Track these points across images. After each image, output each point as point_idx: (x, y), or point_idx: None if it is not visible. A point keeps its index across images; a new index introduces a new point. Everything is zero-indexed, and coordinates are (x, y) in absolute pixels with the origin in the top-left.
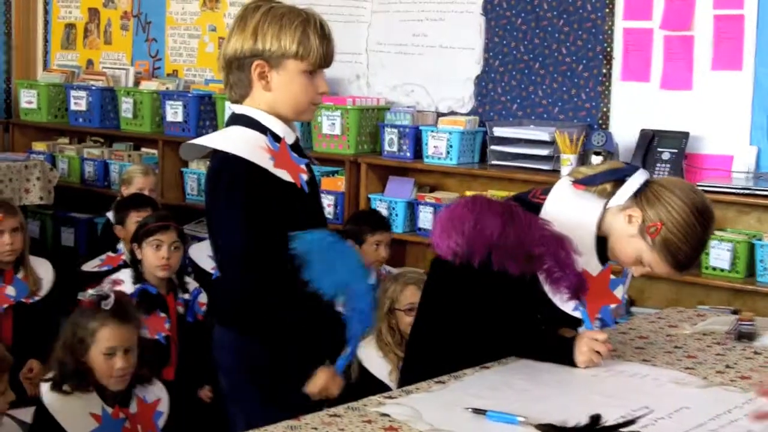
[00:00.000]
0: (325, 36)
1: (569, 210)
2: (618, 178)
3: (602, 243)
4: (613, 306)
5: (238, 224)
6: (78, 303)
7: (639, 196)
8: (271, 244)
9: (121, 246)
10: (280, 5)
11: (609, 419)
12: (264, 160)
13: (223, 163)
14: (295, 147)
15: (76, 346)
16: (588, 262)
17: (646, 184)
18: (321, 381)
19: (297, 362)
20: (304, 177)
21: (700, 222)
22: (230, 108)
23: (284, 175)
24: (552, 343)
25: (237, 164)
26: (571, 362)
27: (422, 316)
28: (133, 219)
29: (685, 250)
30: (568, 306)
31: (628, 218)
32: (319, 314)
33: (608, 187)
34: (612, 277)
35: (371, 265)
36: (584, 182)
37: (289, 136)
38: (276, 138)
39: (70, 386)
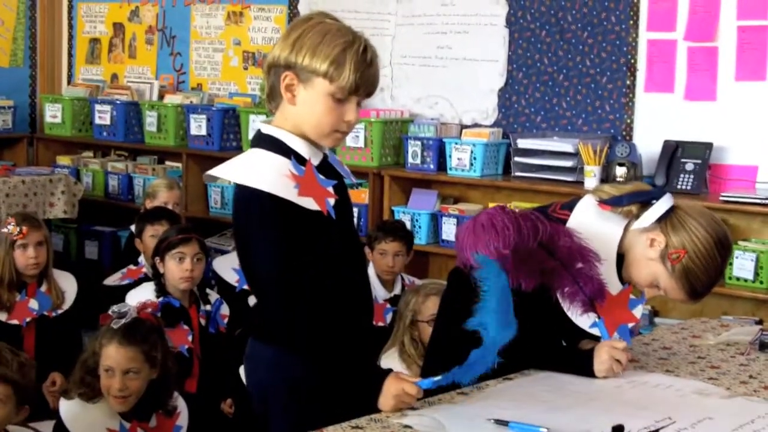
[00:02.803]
0: (364, 62)
1: (593, 229)
2: (645, 200)
3: (618, 261)
4: (630, 325)
5: (272, 254)
6: (100, 318)
7: (664, 220)
8: (304, 270)
9: (141, 258)
10: (333, 23)
11: (632, 430)
12: (288, 190)
13: (249, 197)
14: (323, 166)
15: (88, 358)
16: (609, 281)
17: (671, 210)
18: (392, 392)
19: (335, 378)
20: (331, 201)
21: (721, 254)
22: (258, 124)
23: (310, 203)
24: (571, 354)
25: (262, 199)
26: (590, 373)
27: (441, 327)
28: (149, 233)
29: (703, 280)
30: (584, 322)
31: (650, 242)
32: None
33: (634, 209)
34: (631, 296)
35: (381, 274)
36: (611, 203)
37: (315, 157)
38: (301, 160)
39: (76, 392)
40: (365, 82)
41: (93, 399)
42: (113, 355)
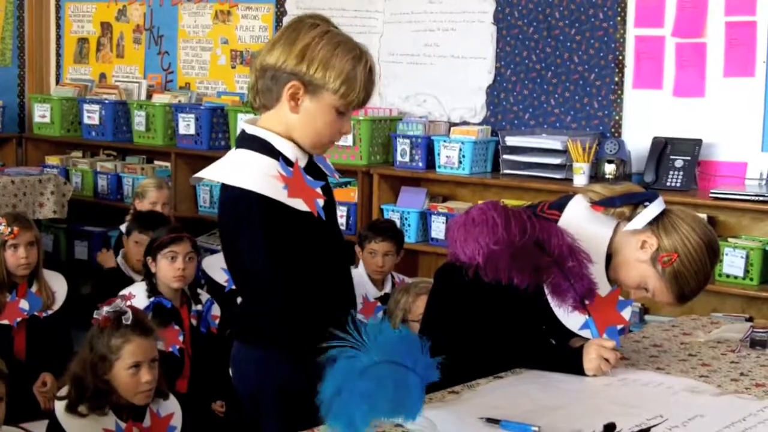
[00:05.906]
0: (371, 80)
1: (583, 230)
2: (638, 202)
3: (606, 262)
4: (619, 327)
5: (261, 253)
6: (92, 321)
7: (656, 223)
8: (293, 271)
9: (119, 259)
10: (337, 32)
11: (623, 428)
12: (277, 191)
13: (237, 198)
14: (310, 167)
15: (98, 364)
16: (598, 282)
17: (663, 212)
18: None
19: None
20: (321, 202)
21: (711, 259)
22: (242, 125)
23: (299, 204)
24: (560, 352)
25: (250, 199)
26: (580, 371)
27: (428, 325)
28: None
29: (692, 285)
30: (573, 322)
31: (642, 244)
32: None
33: (627, 211)
34: (620, 298)
35: (371, 273)
36: (604, 204)
37: (302, 159)
38: (288, 162)
39: (86, 407)
40: (367, 97)
41: (104, 410)
42: (137, 349)
